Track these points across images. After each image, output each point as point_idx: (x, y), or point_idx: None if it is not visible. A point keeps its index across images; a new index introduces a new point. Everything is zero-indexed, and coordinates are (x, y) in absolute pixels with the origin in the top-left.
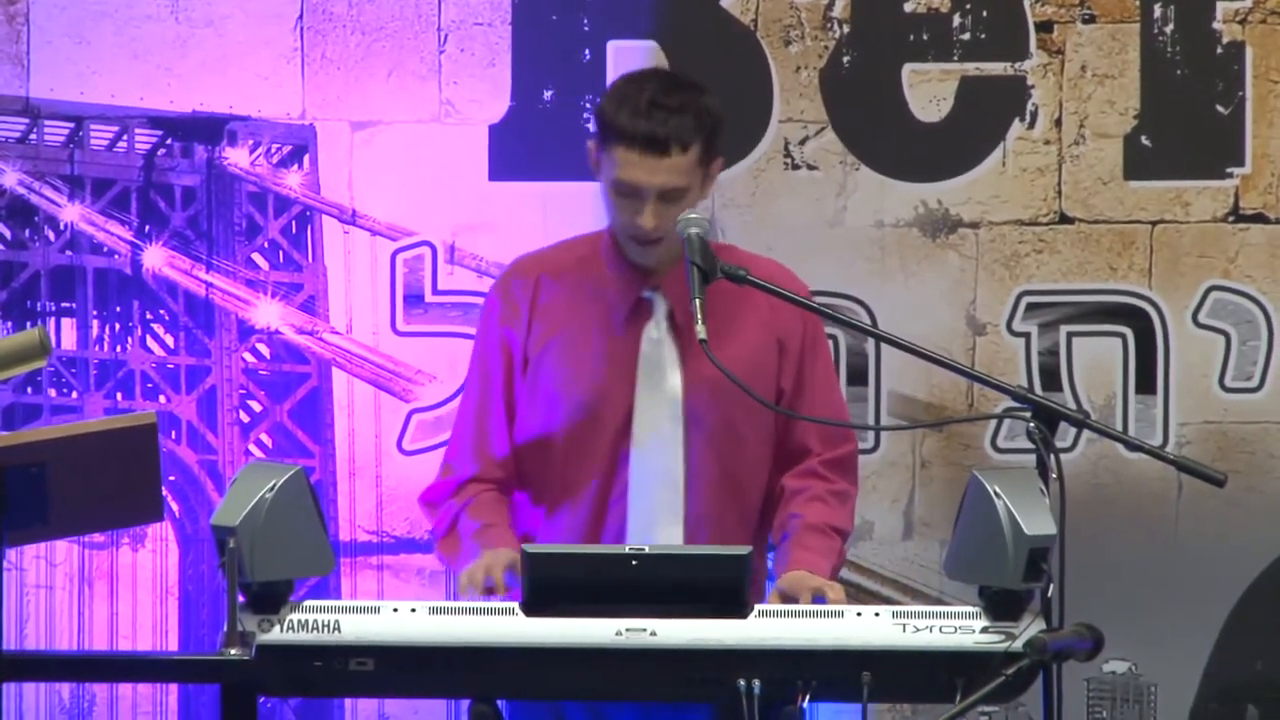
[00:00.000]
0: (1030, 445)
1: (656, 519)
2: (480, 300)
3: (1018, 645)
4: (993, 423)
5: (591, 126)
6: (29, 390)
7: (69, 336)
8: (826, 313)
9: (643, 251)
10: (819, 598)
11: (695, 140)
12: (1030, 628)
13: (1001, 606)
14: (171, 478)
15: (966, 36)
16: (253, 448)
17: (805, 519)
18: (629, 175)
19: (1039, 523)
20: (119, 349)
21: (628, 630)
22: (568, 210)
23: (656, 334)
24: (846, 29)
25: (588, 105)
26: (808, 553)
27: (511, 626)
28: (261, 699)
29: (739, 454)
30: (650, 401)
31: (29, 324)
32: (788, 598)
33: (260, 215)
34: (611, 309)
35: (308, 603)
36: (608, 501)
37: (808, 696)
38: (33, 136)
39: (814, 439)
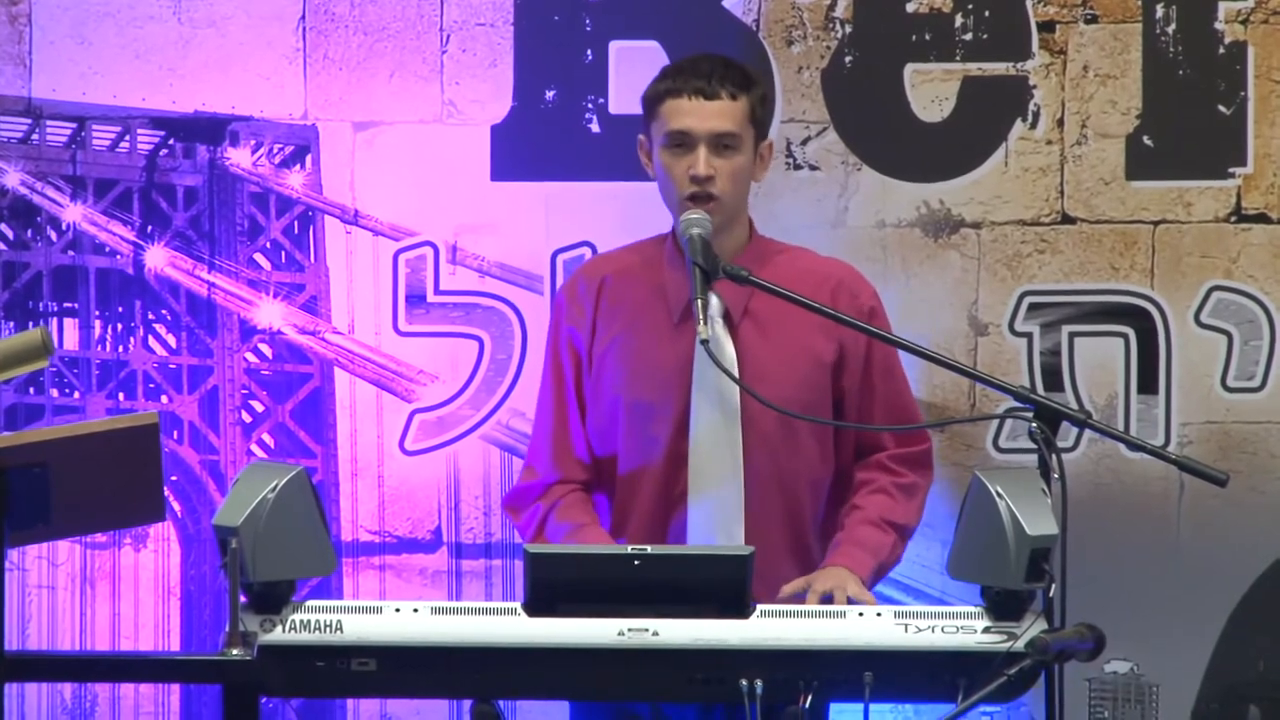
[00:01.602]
0: (1032, 445)
1: (717, 518)
2: (482, 300)
3: (1019, 645)
4: (995, 423)
5: (594, 127)
6: (31, 390)
7: (71, 337)
8: (831, 314)
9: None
10: (826, 596)
11: (744, 95)
12: (1032, 628)
13: (1003, 606)
14: (173, 478)
15: (969, 37)
16: (255, 448)
17: (863, 512)
18: (680, 123)
19: (1041, 523)
20: (121, 349)
21: (630, 630)
22: (570, 210)
23: (708, 333)
24: (848, 29)
25: (590, 105)
26: (853, 548)
27: (514, 627)
28: (263, 699)
29: (793, 452)
30: (705, 400)
31: (31, 324)
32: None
33: (262, 215)
34: (670, 309)
35: (310, 603)
36: (670, 500)
37: (810, 697)
38: (35, 137)
39: (887, 436)
